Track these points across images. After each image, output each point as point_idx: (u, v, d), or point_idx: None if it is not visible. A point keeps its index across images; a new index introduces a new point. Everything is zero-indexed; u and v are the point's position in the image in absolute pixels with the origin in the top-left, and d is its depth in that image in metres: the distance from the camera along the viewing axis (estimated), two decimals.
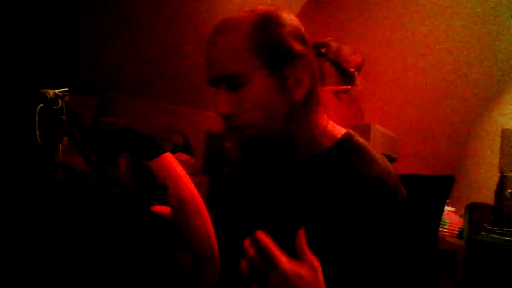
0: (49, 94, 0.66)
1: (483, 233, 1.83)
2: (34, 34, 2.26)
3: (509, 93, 2.33)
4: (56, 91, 0.67)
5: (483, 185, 2.20)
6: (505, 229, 1.79)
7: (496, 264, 1.71)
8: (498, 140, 2.12)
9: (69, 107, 0.68)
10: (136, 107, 2.86)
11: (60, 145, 0.69)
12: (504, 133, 2.10)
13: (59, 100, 0.67)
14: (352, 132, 0.84)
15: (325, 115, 0.83)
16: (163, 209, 0.74)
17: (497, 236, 1.76)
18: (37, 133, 0.63)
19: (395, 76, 2.75)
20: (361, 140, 0.82)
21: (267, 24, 0.76)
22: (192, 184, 0.69)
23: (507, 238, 1.72)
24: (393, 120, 2.57)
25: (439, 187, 0.97)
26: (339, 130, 0.84)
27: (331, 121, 0.84)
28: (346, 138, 0.82)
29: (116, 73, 2.71)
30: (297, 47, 0.77)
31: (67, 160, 0.70)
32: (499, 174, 2.03)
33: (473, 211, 1.97)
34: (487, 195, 2.06)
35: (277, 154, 0.80)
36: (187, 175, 0.71)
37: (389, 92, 2.71)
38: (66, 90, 0.69)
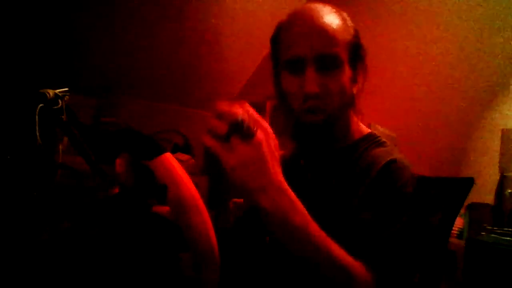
0: (49, 94, 0.66)
1: (483, 233, 1.83)
2: (34, 34, 2.26)
3: (509, 93, 2.33)
4: (56, 91, 0.67)
5: (483, 185, 2.21)
6: (505, 229, 1.79)
7: (496, 264, 1.71)
8: (498, 140, 2.12)
9: (69, 107, 0.68)
10: (136, 107, 2.86)
11: (60, 145, 0.69)
12: (504, 133, 2.10)
13: (59, 100, 0.67)
14: (375, 134, 0.92)
15: (355, 115, 0.92)
16: (163, 209, 0.74)
17: (497, 236, 1.77)
18: (37, 133, 0.63)
19: (395, 76, 2.75)
20: (384, 138, 0.90)
21: (350, 22, 0.85)
22: (192, 184, 0.69)
23: (507, 238, 1.72)
24: (393, 120, 2.57)
25: (458, 189, 0.98)
26: (366, 129, 0.92)
27: (360, 121, 0.92)
28: (372, 135, 0.91)
29: (116, 73, 2.71)
30: (364, 50, 0.86)
31: (67, 160, 0.70)
32: (499, 174, 2.03)
33: (473, 211, 1.97)
34: (487, 195, 2.06)
35: (322, 140, 0.85)
36: (187, 175, 0.71)
37: (389, 92, 2.72)
38: (66, 90, 0.69)
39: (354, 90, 0.85)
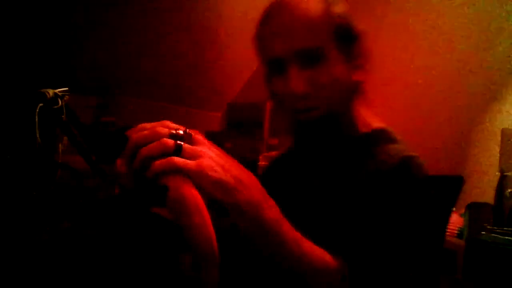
0: (49, 94, 0.66)
1: (483, 233, 1.83)
2: (34, 34, 2.26)
3: (509, 93, 2.33)
4: (56, 91, 0.67)
5: (483, 185, 2.21)
6: (505, 228, 1.78)
7: (496, 264, 1.71)
8: (498, 140, 2.12)
9: (69, 107, 0.68)
10: (136, 107, 2.86)
11: (60, 145, 0.69)
12: (504, 133, 2.10)
13: (59, 100, 0.67)
14: (390, 129, 0.83)
15: (365, 107, 0.84)
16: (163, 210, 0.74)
17: (497, 236, 1.76)
18: (37, 133, 0.63)
19: (396, 76, 2.75)
20: (397, 136, 0.81)
21: (336, 5, 0.76)
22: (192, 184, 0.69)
23: (507, 238, 1.72)
24: (393, 120, 2.56)
25: (448, 187, 0.96)
26: (377, 123, 0.84)
27: (371, 114, 0.85)
28: (383, 130, 0.82)
29: (116, 73, 2.71)
30: (359, 27, 0.78)
31: (67, 160, 0.70)
32: (499, 174, 2.02)
33: (473, 211, 1.97)
34: (487, 195, 2.06)
35: (325, 135, 0.79)
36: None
37: (389, 92, 2.72)
38: (66, 90, 0.69)
39: (356, 77, 0.78)
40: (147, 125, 0.57)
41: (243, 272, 0.83)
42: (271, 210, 0.57)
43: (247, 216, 0.55)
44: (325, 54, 0.73)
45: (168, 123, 0.58)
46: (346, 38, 0.76)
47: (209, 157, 0.55)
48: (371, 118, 0.84)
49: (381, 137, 0.79)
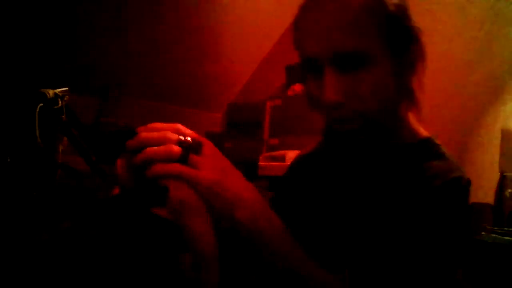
0: (49, 94, 0.66)
1: (483, 233, 1.83)
2: (34, 33, 2.26)
3: (509, 93, 2.33)
4: (56, 91, 0.67)
5: (483, 185, 2.21)
6: (505, 229, 1.79)
7: (496, 264, 1.71)
8: (498, 140, 2.12)
9: (69, 107, 0.68)
10: (137, 107, 2.86)
11: (60, 145, 0.69)
12: (504, 133, 2.10)
13: (59, 100, 0.67)
14: (435, 138, 0.77)
15: (414, 113, 0.76)
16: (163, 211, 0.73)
17: (497, 236, 1.76)
18: (37, 133, 0.63)
19: None
20: (444, 148, 0.75)
21: None
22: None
23: (507, 238, 1.72)
24: None
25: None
26: (423, 131, 0.77)
27: (417, 122, 0.78)
28: (430, 141, 0.75)
29: (116, 73, 2.71)
30: (416, 27, 0.68)
31: (67, 160, 0.70)
32: (499, 174, 2.02)
33: (473, 211, 1.97)
34: (487, 195, 2.06)
35: (362, 144, 0.70)
36: None
37: None
38: (66, 90, 0.69)
39: (409, 83, 0.70)
40: (159, 125, 0.56)
41: (243, 272, 0.83)
42: (271, 224, 0.57)
43: (245, 229, 0.55)
44: (371, 58, 0.63)
45: (180, 127, 0.56)
46: (400, 38, 0.65)
47: (213, 171, 0.54)
48: (416, 126, 0.76)
49: (427, 149, 0.72)
